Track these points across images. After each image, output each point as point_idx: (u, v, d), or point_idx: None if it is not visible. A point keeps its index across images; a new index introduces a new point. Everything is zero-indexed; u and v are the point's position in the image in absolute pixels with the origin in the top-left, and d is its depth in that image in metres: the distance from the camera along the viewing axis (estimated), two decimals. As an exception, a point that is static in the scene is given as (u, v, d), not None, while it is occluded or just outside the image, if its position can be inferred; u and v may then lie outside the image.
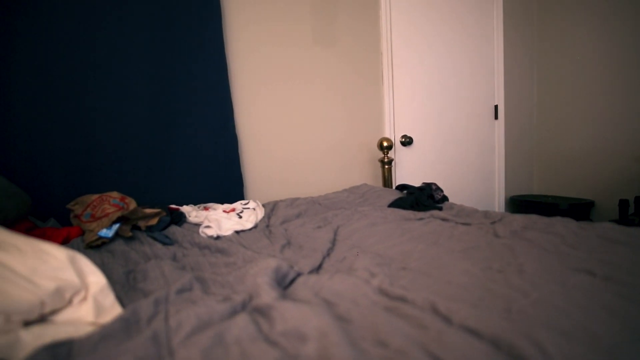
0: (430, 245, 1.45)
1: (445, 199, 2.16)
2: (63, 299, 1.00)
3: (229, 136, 2.47)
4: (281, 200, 2.23)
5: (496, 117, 3.45)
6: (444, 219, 1.73)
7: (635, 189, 2.99)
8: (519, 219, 1.62)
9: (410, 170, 3.08)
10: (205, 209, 2.08)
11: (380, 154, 2.79)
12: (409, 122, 3.06)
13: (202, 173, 2.38)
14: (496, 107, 3.45)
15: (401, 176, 3.04)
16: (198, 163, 2.37)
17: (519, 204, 3.45)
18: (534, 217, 1.64)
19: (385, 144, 2.66)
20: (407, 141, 3.01)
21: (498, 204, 3.51)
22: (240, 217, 1.92)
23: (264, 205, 2.16)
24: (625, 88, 3.03)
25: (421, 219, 1.77)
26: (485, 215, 1.81)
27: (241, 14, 2.49)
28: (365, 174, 2.91)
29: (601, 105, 3.19)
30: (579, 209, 3.19)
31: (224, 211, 1.96)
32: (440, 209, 1.96)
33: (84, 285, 1.05)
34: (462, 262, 1.27)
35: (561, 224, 1.51)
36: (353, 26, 2.83)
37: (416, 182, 3.07)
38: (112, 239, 1.65)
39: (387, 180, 2.71)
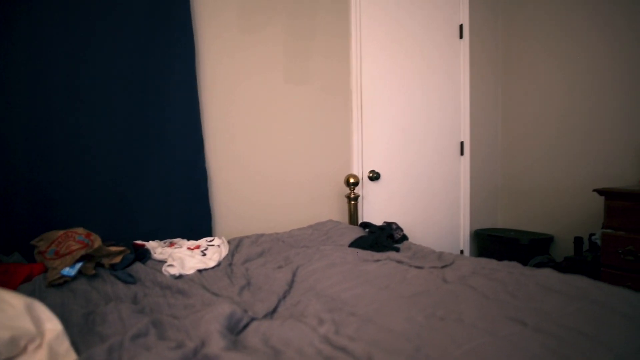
0: (382, 290, 1.52)
1: (404, 238, 2.25)
2: (18, 347, 1.04)
3: (199, 171, 2.52)
4: (246, 237, 2.28)
5: (462, 153, 3.58)
6: (399, 262, 1.81)
7: (591, 225, 3.13)
8: (468, 263, 1.70)
9: (377, 204, 3.17)
10: (171, 244, 2.12)
11: (347, 190, 2.87)
12: (377, 158, 3.16)
13: (171, 207, 2.42)
14: (462, 143, 3.58)
15: (369, 210, 3.12)
16: (167, 197, 2.40)
17: (483, 237, 3.56)
18: (482, 262, 1.73)
19: (351, 180, 2.74)
20: (374, 176, 3.10)
21: (463, 237, 3.61)
22: (205, 254, 1.97)
23: (229, 242, 2.21)
24: (583, 129, 3.19)
25: (378, 260, 1.84)
26: (439, 257, 1.89)
27: (214, 51, 2.57)
28: (334, 208, 2.99)
29: (561, 143, 3.34)
30: (538, 244, 3.31)
31: (189, 248, 2.00)
32: (397, 249, 2.05)
33: (40, 333, 1.09)
34: (408, 308, 1.35)
35: (506, 271, 1.60)
36: (324, 65, 2.94)
37: (383, 216, 3.17)
38: (75, 277, 1.68)
39: (352, 216, 2.79)
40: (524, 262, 3.24)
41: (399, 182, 3.27)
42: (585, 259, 2.78)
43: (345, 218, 2.95)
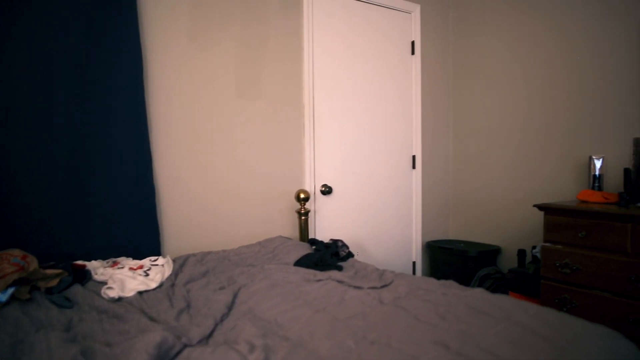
0: (319, 312, 1.54)
1: (350, 255, 2.28)
2: None
3: (147, 187, 2.49)
4: (193, 255, 2.27)
5: (414, 167, 3.67)
6: (340, 281, 1.84)
7: (534, 238, 3.26)
8: (405, 284, 1.75)
9: (330, 218, 3.20)
10: (115, 264, 2.09)
11: (298, 205, 2.89)
12: (329, 172, 3.20)
13: (117, 225, 2.37)
14: (414, 157, 3.66)
15: (321, 224, 3.15)
16: (113, 214, 2.36)
17: (434, 249, 3.65)
18: (420, 281, 1.78)
19: (302, 195, 2.77)
20: (327, 190, 3.14)
21: (415, 249, 3.69)
22: (147, 274, 1.95)
23: (175, 260, 2.19)
24: (528, 145, 3.33)
25: (320, 280, 1.87)
26: (380, 276, 1.93)
27: (164, 66, 2.56)
28: (286, 223, 3.00)
29: (507, 158, 3.47)
30: (486, 256, 3.42)
31: (131, 268, 1.98)
32: (341, 268, 2.08)
33: (-44, 369, 1.06)
34: (341, 332, 1.37)
35: (440, 291, 1.65)
36: (277, 80, 2.96)
37: (336, 230, 3.21)
38: (7, 302, 1.64)
39: (303, 231, 2.81)
40: (473, 273, 3.35)
41: (351, 196, 3.31)
42: (527, 271, 2.89)
43: (297, 233, 2.97)
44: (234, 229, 2.79)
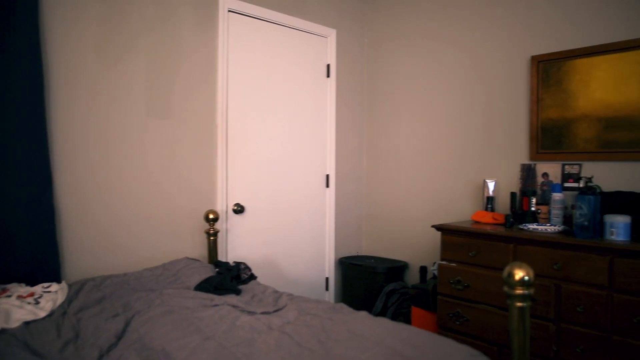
0: (207, 340, 1.58)
1: (252, 277, 2.34)
2: None
3: (46, 207, 2.40)
4: (91, 279, 2.23)
5: (327, 186, 3.79)
6: (234, 306, 1.89)
7: (437, 255, 3.47)
8: (296, 308, 1.83)
9: (243, 237, 3.24)
10: (3, 291, 2.01)
11: (208, 225, 2.91)
12: (242, 191, 3.24)
13: (10, 248, 2.27)
14: (327, 176, 3.79)
15: (233, 243, 3.18)
16: (5, 237, 2.26)
17: (346, 265, 3.78)
18: (311, 306, 1.87)
19: (211, 216, 2.79)
20: (239, 209, 3.18)
21: (328, 265, 3.81)
22: (38, 302, 1.90)
23: (71, 285, 2.14)
24: (433, 167, 3.56)
25: (216, 305, 1.91)
26: (276, 300, 2.00)
27: (69, 79, 2.50)
28: (197, 243, 3.00)
29: (415, 178, 3.68)
30: (394, 272, 3.60)
31: (20, 296, 1.91)
32: (239, 292, 2.13)
33: None
34: (224, 360, 1.43)
35: (327, 316, 1.74)
36: (189, 99, 2.96)
37: (248, 249, 3.25)
38: None
39: (212, 252, 2.83)
40: (381, 288, 3.50)
41: (264, 214, 3.37)
42: (427, 287, 3.07)
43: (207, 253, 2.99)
44: (141, 251, 2.75)
